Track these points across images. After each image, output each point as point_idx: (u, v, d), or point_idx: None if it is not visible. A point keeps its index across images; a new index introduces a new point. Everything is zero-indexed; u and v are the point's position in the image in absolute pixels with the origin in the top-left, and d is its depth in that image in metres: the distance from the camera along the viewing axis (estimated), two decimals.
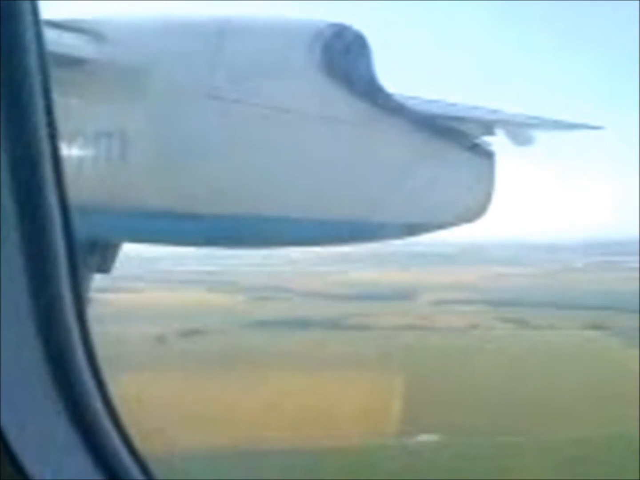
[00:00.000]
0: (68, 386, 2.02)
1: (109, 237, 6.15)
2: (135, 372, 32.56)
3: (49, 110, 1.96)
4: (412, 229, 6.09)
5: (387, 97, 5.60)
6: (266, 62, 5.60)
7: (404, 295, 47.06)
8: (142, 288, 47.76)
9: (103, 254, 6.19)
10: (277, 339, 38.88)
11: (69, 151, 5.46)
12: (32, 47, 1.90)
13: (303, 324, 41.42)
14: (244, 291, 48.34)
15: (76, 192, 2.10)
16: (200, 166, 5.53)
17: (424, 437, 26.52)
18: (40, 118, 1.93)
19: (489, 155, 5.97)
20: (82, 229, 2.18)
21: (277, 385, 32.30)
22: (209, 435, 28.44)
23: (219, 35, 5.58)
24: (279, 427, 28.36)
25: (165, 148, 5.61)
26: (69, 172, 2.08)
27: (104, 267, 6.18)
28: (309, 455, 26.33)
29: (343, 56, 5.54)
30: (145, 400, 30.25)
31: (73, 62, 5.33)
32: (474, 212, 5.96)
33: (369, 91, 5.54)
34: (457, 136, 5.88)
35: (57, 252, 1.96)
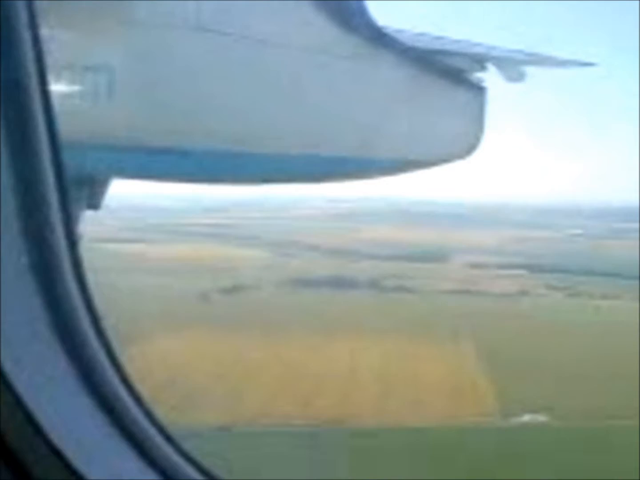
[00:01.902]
0: (60, 314, 1.94)
1: (97, 172, 5.86)
2: (186, 330, 29.43)
3: (36, 44, 1.91)
4: (404, 165, 5.88)
5: (378, 30, 5.46)
6: None
7: (434, 256, 44.23)
8: (164, 240, 44.29)
9: (93, 190, 5.92)
10: (320, 300, 35.75)
11: (56, 86, 5.08)
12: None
13: (340, 283, 38.32)
14: (267, 247, 45.07)
15: (64, 128, 2.05)
16: (188, 101, 5.36)
17: (526, 418, 23.39)
18: (28, 52, 1.88)
19: (480, 91, 5.79)
20: (71, 164, 2.09)
21: (339, 353, 29.13)
22: (272, 408, 25.20)
23: None
24: (355, 403, 25.12)
25: (152, 82, 5.41)
26: (57, 108, 2.00)
27: (94, 202, 5.95)
28: (398, 435, 23.18)
29: None
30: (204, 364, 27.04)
31: None
32: (466, 148, 5.78)
33: (360, 24, 5.38)
34: (448, 71, 5.72)
35: (47, 187, 1.91)
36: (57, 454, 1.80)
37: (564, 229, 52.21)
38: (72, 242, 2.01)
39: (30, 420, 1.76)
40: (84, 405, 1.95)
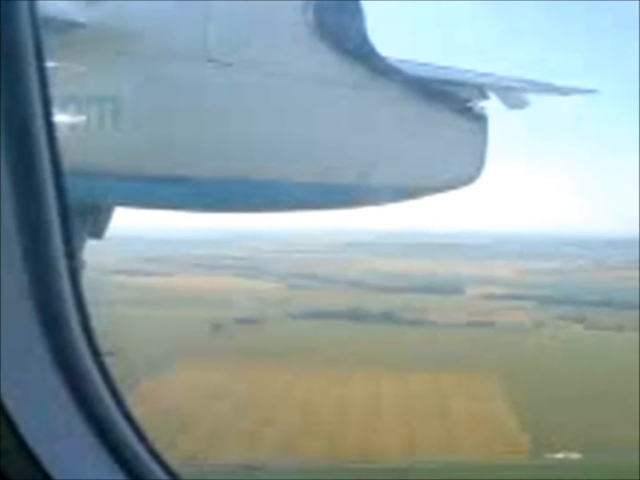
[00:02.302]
0: (60, 346, 1.92)
1: (101, 201, 5.88)
2: (206, 362, 28.88)
3: (42, 75, 1.90)
4: (405, 193, 5.96)
5: (380, 59, 5.45)
6: (258, 24, 5.40)
7: (447, 288, 43.83)
8: (174, 272, 43.88)
9: (96, 219, 5.97)
10: (338, 333, 35.18)
11: (62, 116, 5.17)
12: (24, 12, 1.88)
13: (357, 316, 37.88)
14: (278, 278, 44.66)
15: (69, 157, 2.04)
16: (192, 130, 5.36)
17: (560, 455, 22.79)
18: (34, 84, 1.88)
19: (481, 119, 5.81)
20: (74, 193, 2.08)
21: (361, 387, 28.53)
22: (297, 444, 24.59)
23: None
24: (381, 439, 24.49)
25: (157, 112, 5.43)
26: (62, 137, 2.01)
27: (97, 231, 6.00)
28: (428, 473, 22.52)
29: (336, 18, 5.38)
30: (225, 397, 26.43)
31: (66, 26, 5.15)
32: (467, 176, 5.82)
33: (362, 54, 5.39)
34: (449, 99, 5.77)
35: (50, 216, 1.90)
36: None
37: (574, 259, 51.89)
38: (74, 270, 1.99)
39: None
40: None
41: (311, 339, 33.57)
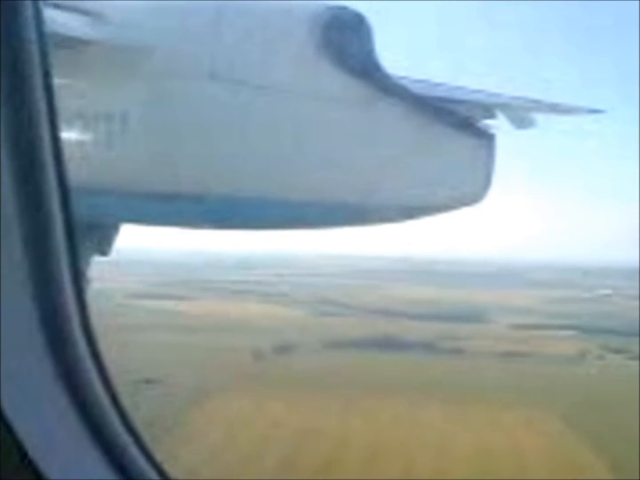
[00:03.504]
0: (66, 362, 1.92)
1: (108, 219, 5.80)
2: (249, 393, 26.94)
3: (49, 92, 1.89)
4: (411, 212, 5.71)
5: (388, 78, 5.33)
6: (266, 43, 5.28)
7: (472, 317, 42.33)
8: (197, 297, 41.94)
9: (102, 237, 5.88)
10: (373, 362, 33.45)
11: (69, 133, 5.15)
12: (31, 29, 1.83)
13: (388, 344, 36.08)
14: (300, 304, 42.84)
15: (76, 174, 2.02)
16: (198, 148, 5.30)
17: None
18: (40, 100, 1.86)
19: (488, 138, 5.62)
20: (81, 211, 2.08)
21: (406, 420, 26.67)
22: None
23: (219, 16, 5.30)
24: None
25: (165, 130, 5.33)
26: (69, 154, 1.98)
27: (104, 249, 5.79)
28: None
29: (343, 38, 5.24)
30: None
31: (74, 43, 5.00)
32: (474, 195, 5.61)
33: (369, 72, 5.26)
34: (457, 119, 5.60)
35: (56, 234, 1.90)
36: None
37: (592, 289, 50.64)
38: (80, 287, 1.96)
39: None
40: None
41: (356, 369, 31.83)
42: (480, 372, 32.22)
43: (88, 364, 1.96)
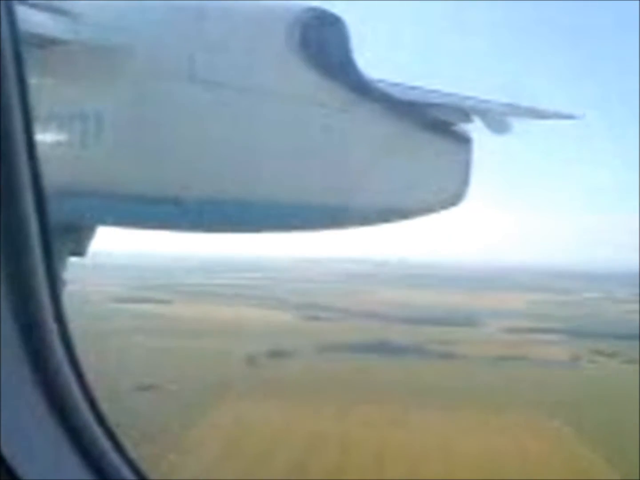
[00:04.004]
0: (42, 362, 1.89)
1: (83, 220, 5.74)
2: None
3: (23, 92, 1.86)
4: (389, 215, 5.76)
5: (366, 82, 5.36)
6: (245, 45, 5.32)
7: (464, 320, 41.95)
8: (182, 300, 41.22)
9: (78, 238, 5.81)
10: (367, 367, 32.85)
11: (44, 134, 5.12)
12: (5, 28, 1.82)
13: (384, 349, 35.50)
14: (290, 308, 42.22)
15: (50, 175, 1.99)
16: (177, 149, 5.28)
17: None
18: (14, 101, 1.83)
19: (465, 142, 5.70)
20: (57, 212, 2.05)
21: (409, 428, 26.10)
22: None
23: (198, 18, 5.31)
24: None
25: (141, 131, 5.32)
26: (43, 155, 1.94)
27: (79, 250, 5.77)
28: None
29: (321, 40, 5.28)
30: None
31: (48, 42, 4.99)
32: (451, 198, 5.69)
33: (347, 76, 5.29)
34: (434, 123, 5.63)
35: (31, 235, 1.87)
36: None
37: (579, 292, 50.59)
38: (56, 290, 1.94)
39: None
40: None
41: (352, 374, 31.19)
42: (476, 377, 31.70)
43: (66, 368, 1.93)
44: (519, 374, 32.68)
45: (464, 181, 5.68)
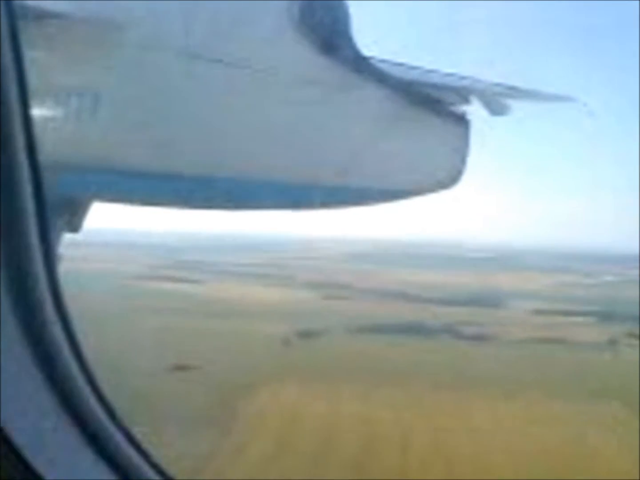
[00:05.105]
0: (39, 341, 1.88)
1: (79, 195, 5.65)
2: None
3: (19, 67, 1.84)
4: (387, 195, 5.75)
5: (365, 61, 5.28)
6: (243, 22, 5.17)
7: (488, 302, 40.49)
8: (200, 280, 39.42)
9: (74, 213, 5.68)
10: (410, 348, 31.32)
11: (40, 109, 4.91)
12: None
13: (416, 330, 33.92)
14: (309, 288, 40.56)
15: (47, 150, 1.97)
16: (173, 126, 5.15)
17: None
18: (10, 75, 1.81)
19: (463, 123, 5.65)
20: (52, 187, 2.05)
21: (455, 411, 24.56)
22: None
23: None
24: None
25: (137, 106, 5.21)
26: (40, 130, 1.94)
27: (74, 225, 5.65)
28: None
29: (321, 18, 5.18)
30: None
31: (46, 16, 4.88)
32: (449, 178, 5.64)
33: (347, 54, 5.20)
34: (432, 103, 5.59)
35: (26, 210, 1.86)
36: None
37: (598, 275, 49.37)
38: (51, 263, 1.92)
39: None
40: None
41: (391, 356, 29.58)
42: (517, 361, 30.22)
43: (62, 342, 1.92)
44: (561, 359, 31.32)
45: (461, 162, 5.58)
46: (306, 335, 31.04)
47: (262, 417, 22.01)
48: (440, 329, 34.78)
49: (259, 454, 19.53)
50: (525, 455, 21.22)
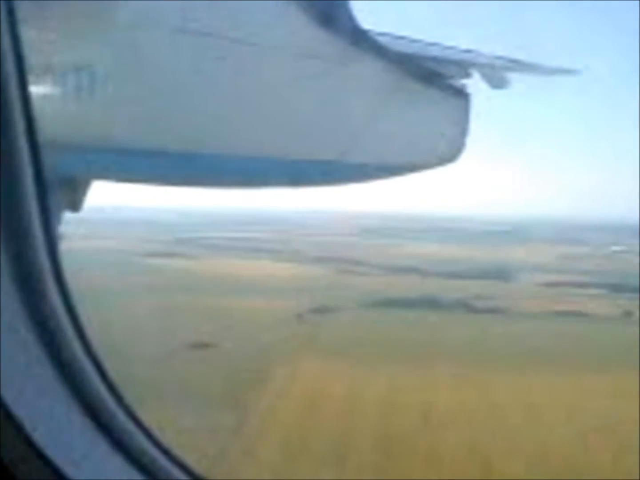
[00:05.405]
0: (40, 316, 1.88)
1: (79, 174, 5.58)
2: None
3: (17, 46, 1.84)
4: (387, 170, 5.70)
5: (364, 34, 5.23)
6: None
7: (499, 275, 39.95)
8: (207, 255, 38.91)
9: (74, 192, 5.65)
10: (416, 323, 30.86)
11: (38, 87, 4.83)
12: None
13: (429, 304, 33.47)
14: (317, 262, 40.08)
15: (44, 129, 1.96)
16: (171, 103, 5.14)
17: None
18: (8, 54, 1.80)
19: (464, 97, 5.63)
20: (51, 165, 2.04)
21: (483, 388, 24.11)
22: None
23: None
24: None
25: (134, 83, 5.15)
26: (37, 108, 1.92)
27: (75, 204, 5.64)
28: None
29: None
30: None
31: None
32: (451, 153, 5.64)
33: (345, 28, 5.14)
34: (432, 77, 5.56)
35: (27, 189, 1.85)
36: (41, 456, 1.74)
37: (606, 246, 48.84)
38: (52, 243, 1.93)
39: (14, 423, 1.69)
40: (69, 409, 1.89)
41: (405, 330, 29.08)
42: (537, 334, 29.74)
43: (63, 319, 1.92)
44: (579, 331, 30.84)
45: (462, 136, 5.56)
46: (320, 311, 30.51)
47: (285, 395, 21.60)
48: (454, 302, 34.26)
49: (286, 424, 19.21)
50: (550, 430, 20.84)
